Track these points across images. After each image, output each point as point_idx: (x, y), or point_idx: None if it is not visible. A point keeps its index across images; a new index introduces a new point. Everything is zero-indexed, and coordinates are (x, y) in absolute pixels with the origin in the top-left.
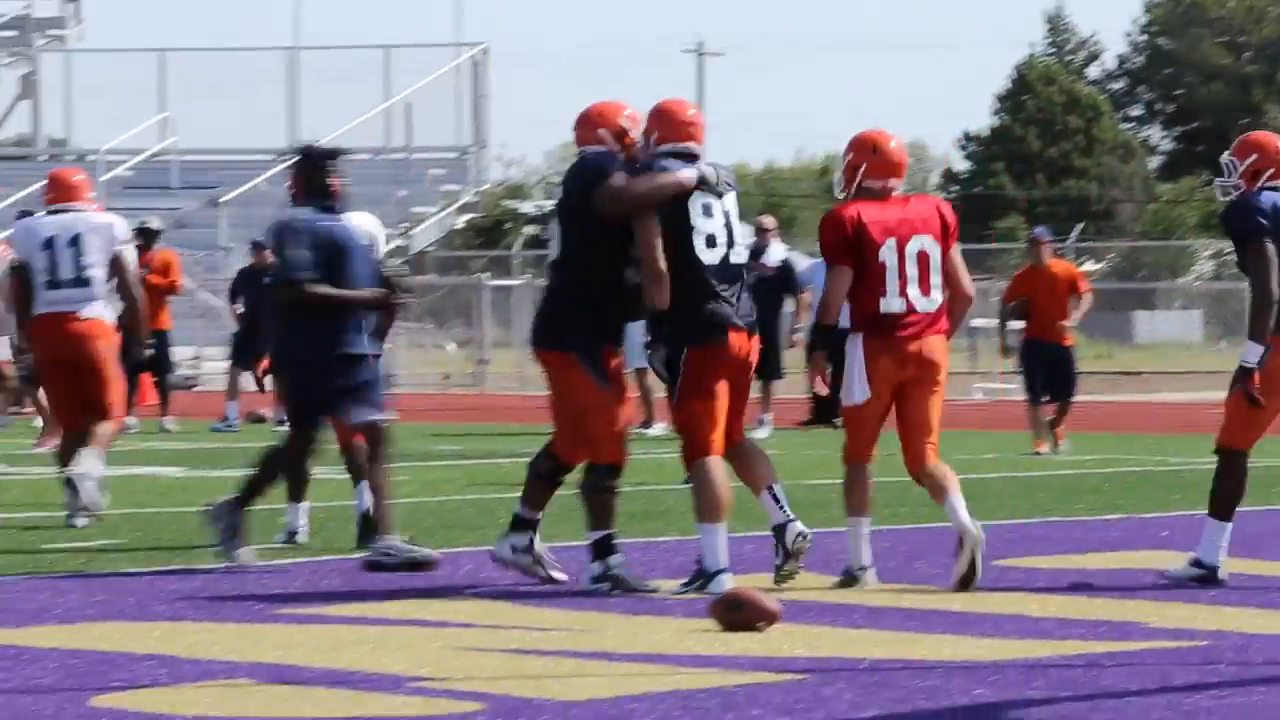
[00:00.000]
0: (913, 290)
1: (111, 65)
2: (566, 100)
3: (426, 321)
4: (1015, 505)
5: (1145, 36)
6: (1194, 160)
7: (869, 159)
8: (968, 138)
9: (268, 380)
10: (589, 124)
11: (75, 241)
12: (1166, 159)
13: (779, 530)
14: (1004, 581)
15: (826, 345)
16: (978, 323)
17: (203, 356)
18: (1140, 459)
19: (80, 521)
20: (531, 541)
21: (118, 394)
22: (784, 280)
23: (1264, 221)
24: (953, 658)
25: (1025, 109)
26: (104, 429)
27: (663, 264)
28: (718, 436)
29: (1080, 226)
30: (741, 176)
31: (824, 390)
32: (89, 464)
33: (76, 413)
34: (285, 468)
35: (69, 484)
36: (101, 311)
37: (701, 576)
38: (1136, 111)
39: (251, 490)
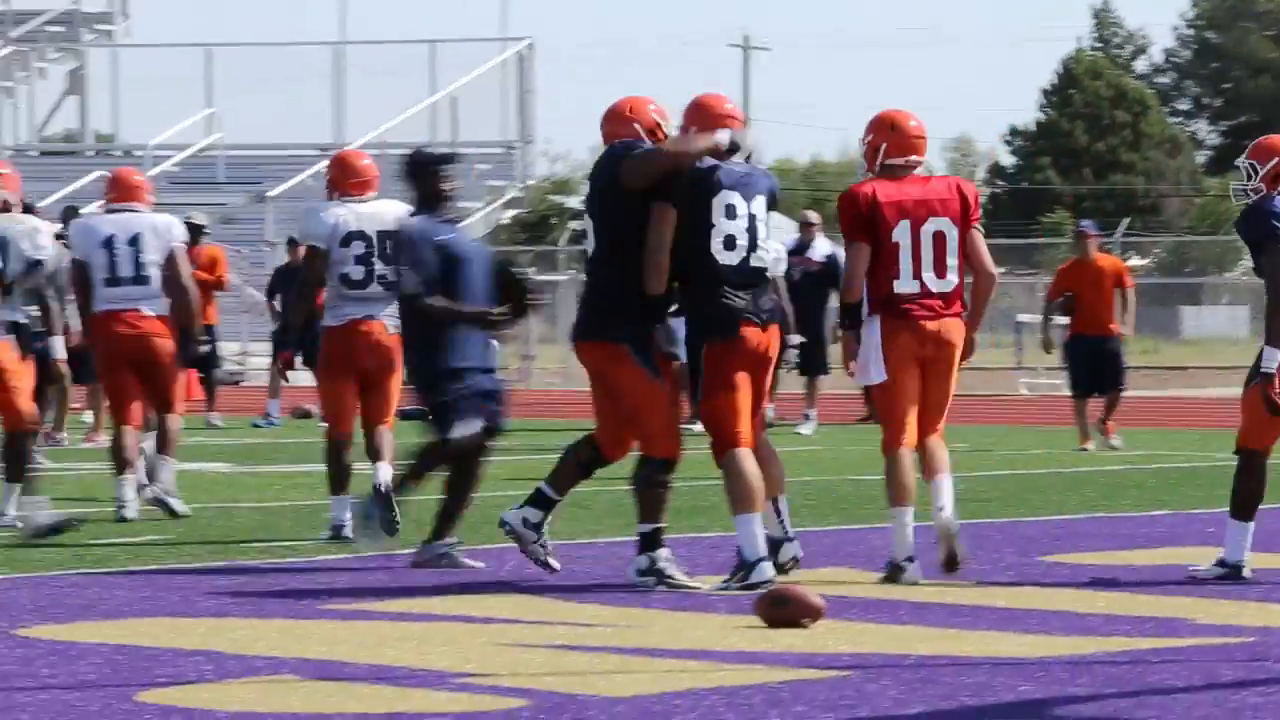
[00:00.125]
0: (927, 272)
1: (158, 60)
2: (611, 95)
3: None
4: (1062, 501)
5: (1192, 30)
6: (1241, 154)
7: (888, 137)
8: (1014, 132)
9: (291, 376)
10: (620, 119)
11: (135, 241)
12: (1214, 153)
13: (774, 545)
14: (1050, 577)
15: (854, 325)
16: (1023, 317)
17: (249, 352)
18: (1186, 454)
19: (130, 512)
20: (543, 521)
21: (179, 389)
22: (829, 275)
23: (1278, 225)
24: (998, 654)
25: (1072, 103)
26: (172, 427)
27: (664, 255)
28: (744, 428)
29: (1127, 221)
30: (787, 171)
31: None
32: (169, 479)
33: (134, 408)
34: (430, 467)
35: (124, 484)
36: (162, 308)
37: (743, 567)
38: (1184, 106)
39: (410, 479)
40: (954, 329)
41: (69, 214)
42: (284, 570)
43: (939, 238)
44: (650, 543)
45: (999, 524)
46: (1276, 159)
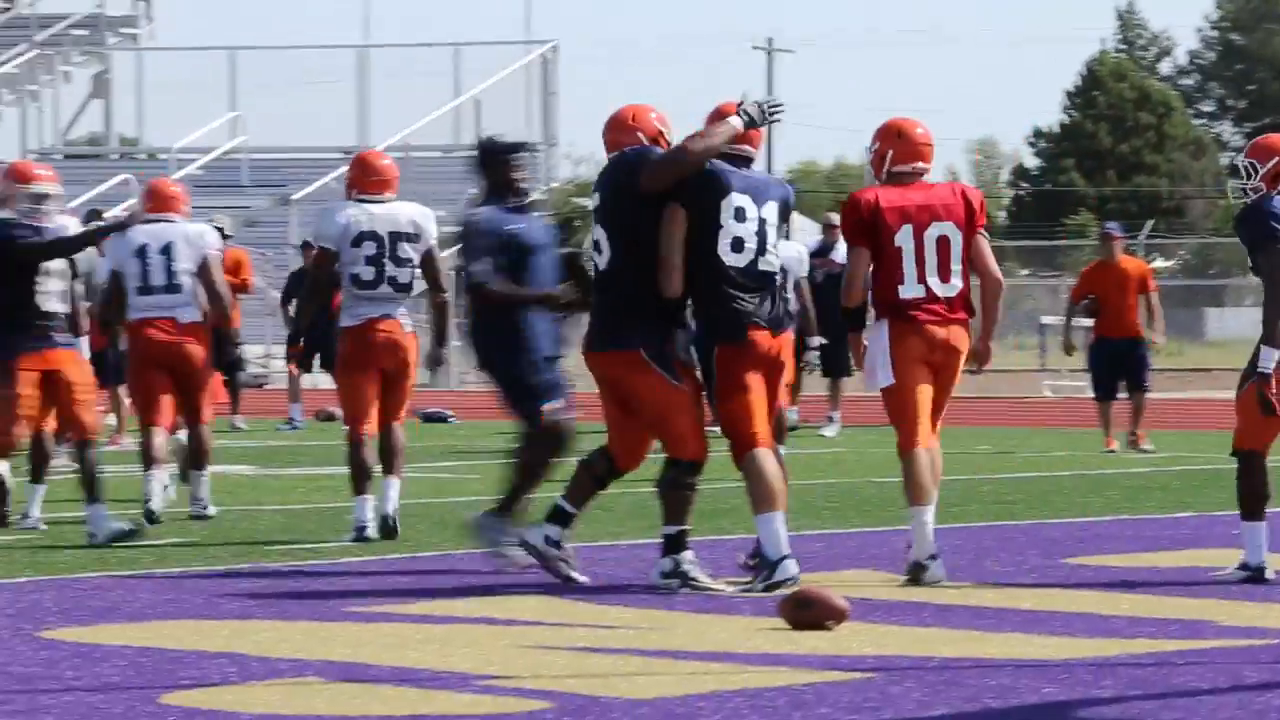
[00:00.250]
0: (931, 277)
1: (182, 64)
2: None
3: None
4: (1086, 503)
5: (1217, 32)
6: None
7: (895, 145)
8: (1038, 134)
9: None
10: (623, 128)
11: (167, 250)
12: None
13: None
14: (1074, 579)
15: (858, 328)
16: (1047, 320)
17: (272, 355)
18: (1211, 456)
19: (156, 504)
20: (563, 537)
21: (209, 396)
22: None
23: (1278, 226)
24: (1022, 656)
25: (1096, 105)
26: (204, 439)
27: (676, 256)
28: (761, 428)
29: (1151, 223)
30: (811, 174)
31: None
32: (204, 494)
33: (164, 409)
34: (539, 462)
35: (151, 479)
36: (195, 315)
37: (765, 566)
38: (1208, 107)
39: (513, 498)
40: (961, 336)
41: (91, 217)
42: (308, 573)
43: (942, 242)
44: (675, 545)
45: (1023, 526)
46: (1276, 158)
